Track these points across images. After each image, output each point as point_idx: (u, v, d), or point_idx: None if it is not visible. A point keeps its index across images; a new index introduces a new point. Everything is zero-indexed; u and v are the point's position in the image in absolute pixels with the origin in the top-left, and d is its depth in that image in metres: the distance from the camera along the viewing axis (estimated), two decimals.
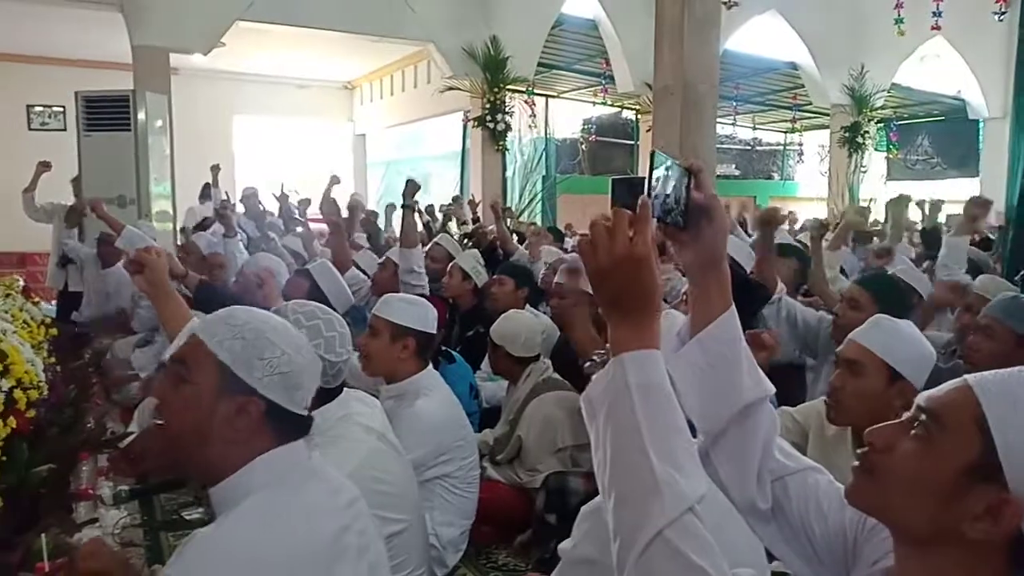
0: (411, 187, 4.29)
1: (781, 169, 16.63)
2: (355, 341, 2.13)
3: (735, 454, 1.08)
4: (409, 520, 2.04)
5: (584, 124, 12.96)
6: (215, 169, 8.40)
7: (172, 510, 3.21)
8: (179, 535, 2.93)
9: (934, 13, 9.30)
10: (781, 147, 16.38)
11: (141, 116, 6.68)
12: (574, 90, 12.32)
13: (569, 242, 6.83)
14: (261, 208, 7.93)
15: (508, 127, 10.24)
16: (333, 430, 1.87)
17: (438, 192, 11.70)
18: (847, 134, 12.28)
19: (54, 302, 6.38)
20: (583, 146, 13.08)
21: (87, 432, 2.47)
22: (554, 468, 2.96)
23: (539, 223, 9.84)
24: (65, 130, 10.02)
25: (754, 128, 15.27)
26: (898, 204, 6.08)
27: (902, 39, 9.92)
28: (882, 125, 13.04)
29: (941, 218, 7.53)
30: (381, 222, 7.96)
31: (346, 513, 1.33)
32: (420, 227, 5.42)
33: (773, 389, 1.10)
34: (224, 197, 7.73)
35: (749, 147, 16.21)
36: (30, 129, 11.09)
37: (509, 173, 10.82)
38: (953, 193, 11.14)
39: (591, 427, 0.96)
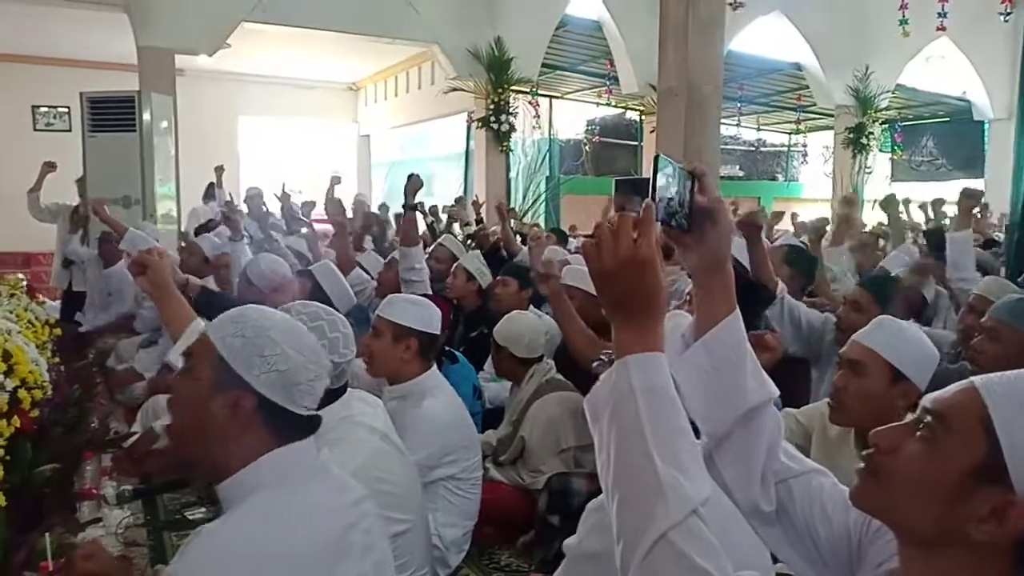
0: (413, 183, 4.05)
1: (785, 170, 16.57)
2: (358, 341, 2.13)
3: (739, 457, 1.08)
4: (413, 520, 2.04)
5: (588, 125, 12.93)
6: (219, 170, 8.42)
7: (175, 510, 3.20)
8: (182, 535, 2.90)
9: (939, 14, 9.24)
10: (785, 148, 16.32)
11: (146, 117, 6.68)
12: (578, 91, 12.30)
13: (573, 243, 6.81)
14: (264, 209, 7.93)
15: (512, 128, 10.23)
16: (336, 430, 1.87)
17: (442, 193, 11.71)
18: (851, 135, 12.23)
19: (58, 302, 6.41)
20: (587, 147, 13.05)
21: (91, 432, 2.49)
22: (557, 469, 2.96)
23: (543, 224, 9.82)
24: (70, 131, 10.04)
25: (758, 129, 15.22)
26: (889, 204, 6.05)
27: (907, 40, 9.85)
28: (886, 126, 12.97)
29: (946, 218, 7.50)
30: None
31: (352, 511, 1.34)
32: (424, 228, 5.37)
33: (777, 392, 1.10)
34: (228, 198, 7.73)
35: (753, 148, 16.16)
36: (35, 130, 11.10)
37: (513, 174, 10.81)
38: (957, 194, 11.05)
39: (595, 430, 0.95)
